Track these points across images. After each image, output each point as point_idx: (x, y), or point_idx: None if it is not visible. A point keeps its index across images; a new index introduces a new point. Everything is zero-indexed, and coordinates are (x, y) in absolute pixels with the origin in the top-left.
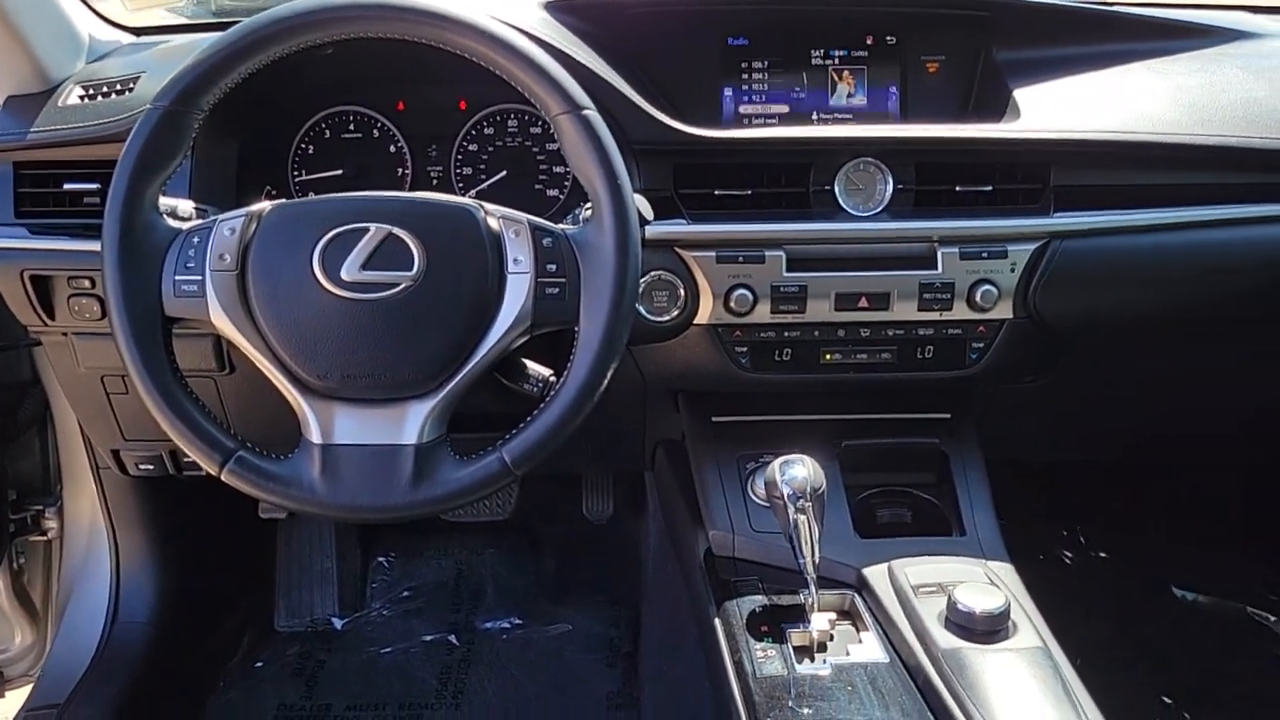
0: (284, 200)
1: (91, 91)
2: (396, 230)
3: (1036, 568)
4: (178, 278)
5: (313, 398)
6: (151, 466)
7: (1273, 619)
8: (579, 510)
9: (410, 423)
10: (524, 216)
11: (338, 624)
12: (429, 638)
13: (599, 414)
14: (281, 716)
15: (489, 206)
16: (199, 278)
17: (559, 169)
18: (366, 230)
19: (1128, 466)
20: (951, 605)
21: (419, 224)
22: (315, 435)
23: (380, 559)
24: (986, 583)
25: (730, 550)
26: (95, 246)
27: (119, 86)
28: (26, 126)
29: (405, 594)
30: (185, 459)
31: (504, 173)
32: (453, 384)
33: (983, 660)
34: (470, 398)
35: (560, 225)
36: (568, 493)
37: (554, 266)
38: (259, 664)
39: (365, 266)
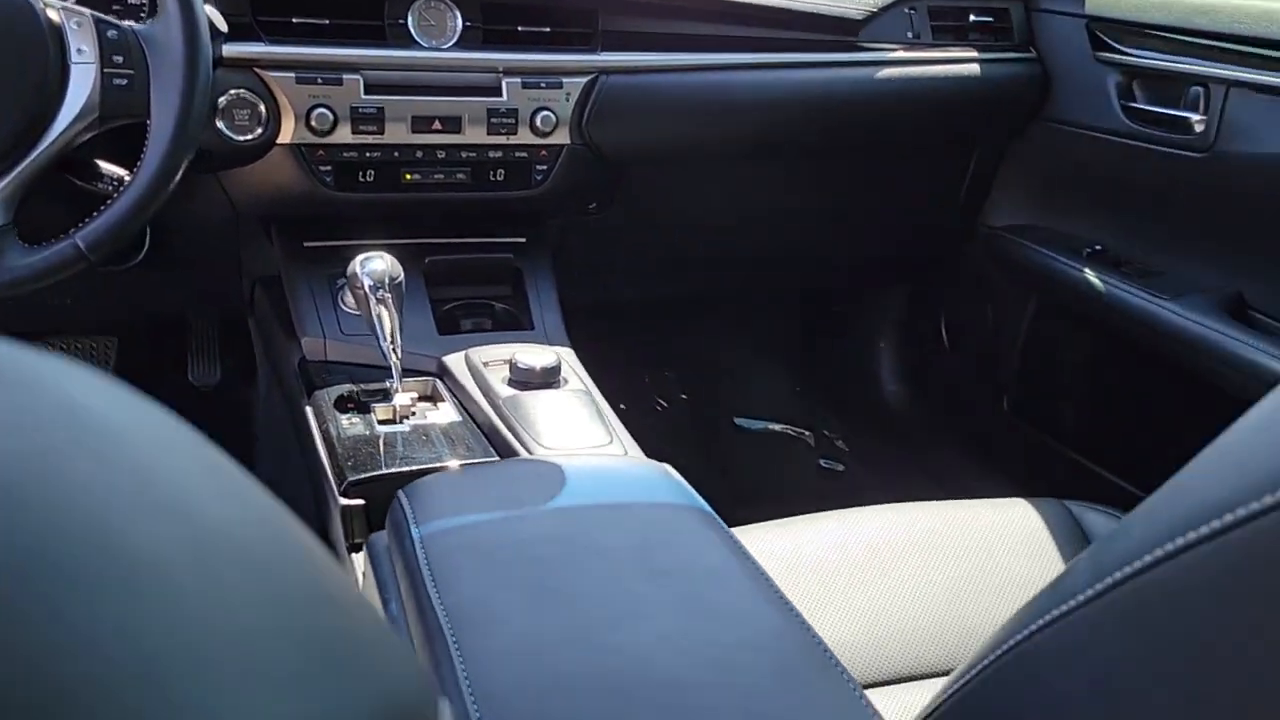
0: None
1: None
2: None
3: (630, 419)
4: None
5: None
6: None
7: (807, 434)
8: (184, 378)
9: None
10: (87, 10)
11: None
12: None
13: (196, 249)
14: None
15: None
16: None
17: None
18: None
19: (706, 305)
20: (513, 365)
21: None
22: None
23: None
24: (545, 349)
25: (323, 355)
26: None
27: None
28: None
29: None
30: None
31: None
32: (16, 171)
33: (534, 400)
34: (45, 204)
35: (126, 22)
36: (171, 358)
37: (121, 59)
38: None
39: None
